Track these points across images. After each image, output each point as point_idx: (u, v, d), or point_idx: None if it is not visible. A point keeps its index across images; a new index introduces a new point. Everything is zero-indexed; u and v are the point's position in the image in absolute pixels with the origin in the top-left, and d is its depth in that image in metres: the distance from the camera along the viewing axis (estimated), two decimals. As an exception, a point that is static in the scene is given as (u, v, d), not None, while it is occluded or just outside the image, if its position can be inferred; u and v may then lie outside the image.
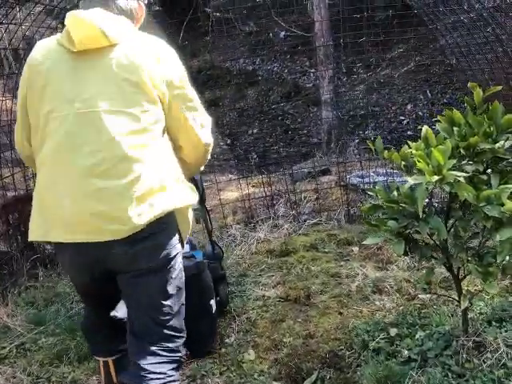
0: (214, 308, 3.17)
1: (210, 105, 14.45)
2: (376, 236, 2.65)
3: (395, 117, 11.61)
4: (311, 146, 11.01)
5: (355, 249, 4.31)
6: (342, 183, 5.25)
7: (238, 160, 11.64)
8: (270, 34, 14.13)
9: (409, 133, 10.73)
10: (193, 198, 2.15)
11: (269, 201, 5.05)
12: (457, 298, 2.74)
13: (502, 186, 2.34)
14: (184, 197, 2.10)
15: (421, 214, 2.37)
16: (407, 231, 2.58)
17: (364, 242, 2.61)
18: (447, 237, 2.56)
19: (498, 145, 2.43)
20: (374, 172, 5.63)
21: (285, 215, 4.89)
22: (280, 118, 14.02)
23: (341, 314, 3.33)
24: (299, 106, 13.78)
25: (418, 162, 2.31)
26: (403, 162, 2.71)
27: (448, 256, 2.61)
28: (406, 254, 2.63)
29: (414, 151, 2.49)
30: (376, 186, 2.81)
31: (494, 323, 2.83)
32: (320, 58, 8.42)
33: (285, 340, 3.13)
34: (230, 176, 9.45)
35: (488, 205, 2.31)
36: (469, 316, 2.74)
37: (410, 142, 2.60)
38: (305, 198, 5.26)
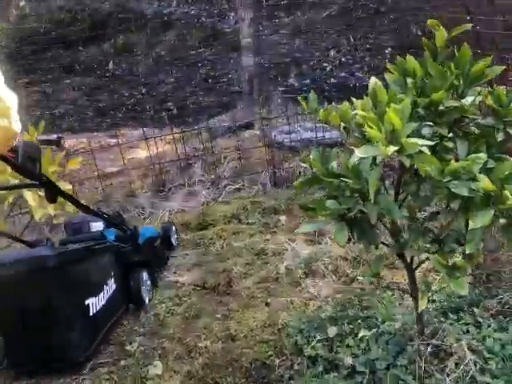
0: (95, 309, 2.54)
1: (123, 51, 13.32)
2: (312, 223, 2.06)
3: (318, 63, 11.08)
4: (232, 96, 10.34)
5: (283, 218, 3.74)
6: (267, 140, 4.63)
7: (153, 111, 10.81)
8: (185, -27, 13.09)
9: (332, 80, 10.24)
10: None
11: (183, 163, 4.37)
12: (408, 291, 2.22)
13: (471, 156, 1.80)
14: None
15: (373, 197, 1.80)
16: (351, 214, 2.01)
17: (298, 231, 2.02)
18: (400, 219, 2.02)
19: (465, 101, 1.87)
20: (301, 127, 5.04)
21: (202, 180, 4.23)
22: (199, 64, 13.14)
23: (268, 305, 2.77)
24: (219, 52, 12.96)
25: (369, 127, 1.71)
26: (343, 124, 2.13)
27: (402, 243, 2.06)
28: (349, 240, 2.07)
29: (359, 112, 1.89)
30: (312, 153, 2.20)
31: (450, 315, 2.35)
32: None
33: (200, 344, 2.54)
34: (144, 130, 8.70)
35: (454, 180, 1.76)
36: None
37: (353, 99, 2.00)
38: (225, 158, 4.60)
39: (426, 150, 1.69)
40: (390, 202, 1.95)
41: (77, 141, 7.78)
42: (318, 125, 4.96)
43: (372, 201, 1.79)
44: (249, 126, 6.09)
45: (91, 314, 2.50)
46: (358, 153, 1.71)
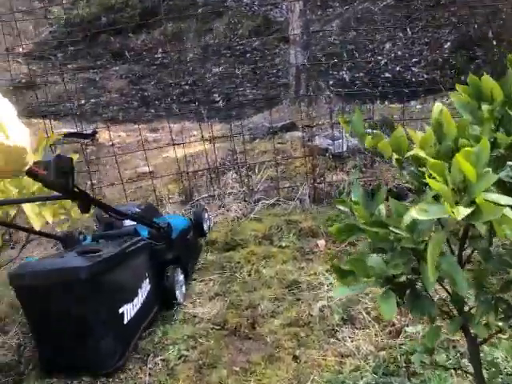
0: (129, 315, 2.48)
1: (172, 39, 13.04)
2: (349, 285, 1.61)
3: (373, 57, 10.51)
4: (279, 90, 9.90)
5: (321, 243, 3.28)
6: (308, 147, 4.16)
7: (198, 103, 10.47)
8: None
9: (386, 75, 9.68)
10: None
11: (216, 170, 3.96)
12: (470, 372, 1.74)
13: None
14: None
15: (433, 265, 1.34)
16: (402, 278, 1.56)
17: (332, 295, 1.58)
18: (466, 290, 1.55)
19: None
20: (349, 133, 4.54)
21: (234, 192, 3.81)
22: (248, 55, 12.75)
23: (296, 359, 2.33)
24: (269, 43, 12.55)
25: (431, 178, 1.25)
26: (396, 156, 1.68)
27: (467, 316, 1.59)
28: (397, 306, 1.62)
29: (418, 151, 1.43)
30: (352, 191, 1.75)
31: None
32: (289, -13, 7.16)
33: (211, 407, 2.13)
34: (184, 125, 8.37)
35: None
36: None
37: (411, 131, 1.54)
38: (261, 165, 4.17)
39: (509, 212, 1.21)
40: (453, 264, 1.48)
41: (114, 135, 7.49)
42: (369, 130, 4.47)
43: (431, 267, 1.33)
44: (292, 127, 5.62)
45: (125, 321, 2.44)
46: (416, 214, 1.25)
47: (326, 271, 2.99)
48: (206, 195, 3.75)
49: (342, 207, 1.75)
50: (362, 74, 9.91)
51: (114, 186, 5.12)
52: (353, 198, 1.73)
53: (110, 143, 7.10)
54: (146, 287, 2.67)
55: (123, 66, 12.94)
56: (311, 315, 2.60)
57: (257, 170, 4.05)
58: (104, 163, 6.12)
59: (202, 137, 5.29)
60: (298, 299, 2.78)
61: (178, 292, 2.85)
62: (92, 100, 11.61)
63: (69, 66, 13.47)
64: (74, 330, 2.30)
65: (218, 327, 2.62)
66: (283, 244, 3.32)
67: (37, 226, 2.45)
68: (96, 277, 2.26)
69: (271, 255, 3.23)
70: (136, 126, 8.62)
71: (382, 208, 1.68)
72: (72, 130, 6.99)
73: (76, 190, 2.04)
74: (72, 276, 2.24)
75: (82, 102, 11.61)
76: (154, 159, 5.70)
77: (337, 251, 3.18)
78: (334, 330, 2.47)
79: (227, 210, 3.67)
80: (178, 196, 3.90)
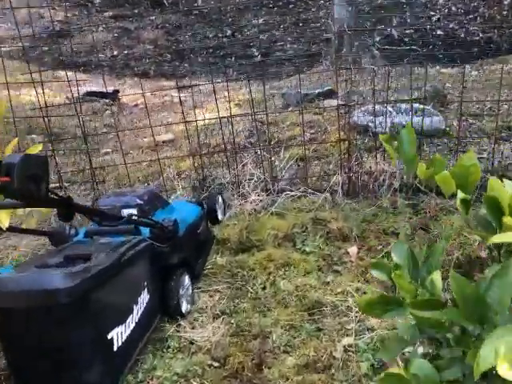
0: (120, 340, 1.99)
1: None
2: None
3: (424, 11, 9.64)
4: (321, 46, 9.18)
5: (352, 250, 2.73)
6: (346, 126, 3.54)
7: (235, 58, 9.84)
8: None
9: (438, 32, 8.83)
10: None
11: (231, 153, 3.40)
12: None
13: None
14: None
15: None
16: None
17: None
18: None
19: None
20: (393, 107, 3.91)
21: (253, 179, 3.25)
22: (291, 6, 11.99)
23: (308, 423, 1.82)
24: (315, -8, 11.83)
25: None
26: (462, 195, 1.14)
27: None
28: None
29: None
30: (392, 247, 1.25)
31: None
32: None
33: None
34: (215, 84, 7.82)
35: None
36: None
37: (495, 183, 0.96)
38: (289, 141, 3.59)
39: None
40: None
41: (138, 94, 6.98)
42: (416, 105, 3.85)
43: None
44: (330, 94, 4.98)
45: (115, 348, 1.96)
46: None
47: (356, 290, 2.45)
48: (221, 182, 3.19)
49: (377, 273, 1.19)
50: (411, 31, 9.09)
51: (128, 156, 4.65)
52: (393, 258, 1.19)
53: (134, 104, 6.60)
54: (143, 300, 2.19)
55: (160, 16, 12.35)
56: (333, 356, 2.08)
57: (282, 154, 3.47)
58: (123, 127, 5.63)
59: (229, 101, 4.73)
60: (319, 329, 2.25)
61: (183, 304, 2.40)
62: (125, 51, 11.10)
63: (105, 14, 12.94)
64: (52, 360, 1.90)
65: (217, 364, 2.12)
66: (307, 249, 2.78)
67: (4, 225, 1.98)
68: (80, 299, 1.81)
69: (292, 263, 2.69)
70: (165, 84, 8.08)
71: (437, 278, 1.15)
72: (94, 88, 6.52)
73: (54, 196, 1.66)
74: (50, 299, 1.80)
75: (115, 53, 11.11)
76: (176, 125, 5.19)
77: (371, 263, 2.61)
78: (360, 382, 1.94)
79: (244, 201, 3.13)
80: (190, 181, 3.36)
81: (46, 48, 10.54)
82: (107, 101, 6.26)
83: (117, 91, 6.33)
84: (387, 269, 1.18)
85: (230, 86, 6.45)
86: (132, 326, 2.07)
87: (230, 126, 3.44)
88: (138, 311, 2.13)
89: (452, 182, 1.17)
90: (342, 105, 3.35)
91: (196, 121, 3.39)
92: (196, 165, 3.34)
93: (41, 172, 1.56)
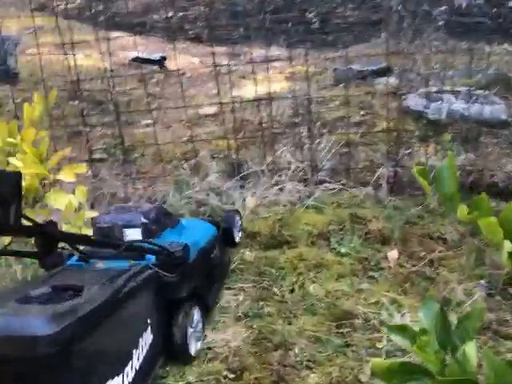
0: None
1: None
2: None
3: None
4: (383, 13, 8.70)
5: (392, 255, 2.51)
6: (397, 106, 3.27)
7: (291, 24, 9.48)
8: None
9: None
10: None
11: (270, 139, 3.20)
12: None
13: None
14: None
15: None
16: None
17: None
18: None
19: None
20: (451, 92, 3.59)
21: (290, 168, 3.04)
22: (355, -31, 11.43)
23: None
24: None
25: None
26: (510, 245, 0.91)
27: None
28: None
29: None
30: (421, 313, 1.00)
31: None
32: None
33: None
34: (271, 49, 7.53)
35: None
36: None
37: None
38: (333, 124, 3.35)
39: None
40: None
41: (187, 61, 6.80)
42: (477, 92, 3.53)
43: None
44: (385, 72, 4.67)
45: None
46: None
47: (392, 303, 2.24)
48: (257, 168, 3.00)
49: (397, 338, 0.99)
50: (481, 1, 8.49)
51: (168, 130, 4.51)
52: (420, 319, 0.99)
53: (182, 72, 6.43)
54: (145, 342, 1.83)
55: (218, -24, 12.06)
56: (359, 380, 1.90)
57: (325, 139, 3.23)
58: (168, 97, 5.48)
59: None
60: (347, 344, 2.06)
61: (192, 345, 2.05)
62: (180, 13, 10.90)
63: (164, -30, 12.73)
64: None
65: (233, 376, 1.97)
66: (342, 250, 2.57)
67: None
68: (65, 349, 1.40)
69: (324, 264, 2.50)
70: (215, 49, 7.84)
71: (472, 350, 0.94)
72: (140, 54, 6.37)
73: (27, 223, 1.34)
74: (27, 349, 1.39)
75: (170, 14, 10.92)
76: (222, 97, 5.00)
77: (411, 272, 2.40)
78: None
79: (280, 190, 2.93)
80: (225, 164, 3.19)
81: (102, 7, 10.46)
82: (154, 67, 6.11)
83: (164, 58, 6.16)
84: (409, 333, 0.97)
85: (283, 56, 6.17)
86: (131, 375, 1.68)
87: (272, 106, 3.23)
88: (138, 356, 1.76)
89: (499, 230, 0.95)
90: (393, 92, 3.07)
91: (232, 103, 3.19)
92: (232, 147, 3.16)
93: (10, 193, 1.24)
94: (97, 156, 3.96)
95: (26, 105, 1.93)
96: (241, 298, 2.38)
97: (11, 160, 1.73)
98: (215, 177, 3.06)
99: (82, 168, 1.88)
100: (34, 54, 5.46)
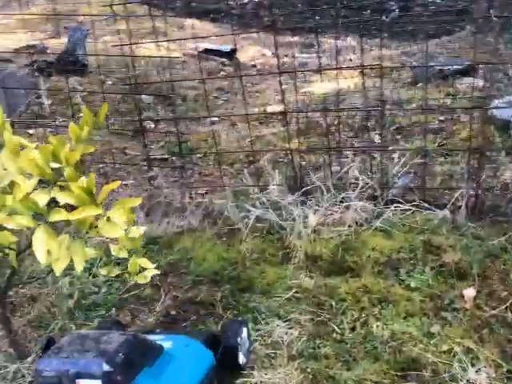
0: None
1: None
2: None
3: None
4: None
5: (468, 293, 2.21)
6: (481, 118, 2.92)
7: (371, 11, 9.04)
8: None
9: None
10: None
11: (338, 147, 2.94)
12: None
13: None
14: None
15: None
16: None
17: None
18: None
19: None
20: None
21: (358, 183, 2.77)
22: None
23: None
24: None
25: None
26: None
27: None
28: None
29: None
30: None
31: None
32: None
33: None
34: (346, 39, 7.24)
35: None
36: None
37: None
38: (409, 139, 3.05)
39: None
40: None
41: (257, 54, 6.58)
42: None
43: None
44: (469, 72, 4.28)
45: None
46: None
47: (467, 351, 1.96)
48: (321, 183, 2.76)
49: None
50: None
51: (233, 128, 4.33)
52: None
53: (251, 64, 6.24)
54: None
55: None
56: None
57: (398, 152, 2.94)
58: (235, 91, 5.30)
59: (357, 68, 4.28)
60: (412, 403, 1.82)
61: None
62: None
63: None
64: None
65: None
66: (412, 283, 2.30)
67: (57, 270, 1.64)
68: None
69: (391, 299, 2.24)
70: (288, 39, 7.59)
71: None
72: (210, 46, 6.21)
73: None
74: None
75: (245, 0, 10.71)
76: (291, 93, 4.76)
77: (490, 315, 2.10)
78: None
79: (346, 208, 2.68)
80: (285, 175, 2.97)
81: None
82: (223, 60, 5.93)
83: (234, 50, 5.97)
84: None
85: (358, 48, 5.83)
86: None
87: (343, 106, 2.97)
88: None
89: None
90: (480, 97, 2.74)
91: (297, 102, 2.95)
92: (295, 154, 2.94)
93: None
94: (157, 154, 3.85)
95: (71, 125, 1.78)
96: (295, 332, 2.17)
97: (59, 197, 1.57)
98: (276, 188, 2.83)
99: (136, 201, 1.70)
100: (104, 42, 5.41)
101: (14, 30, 6.98)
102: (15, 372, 1.99)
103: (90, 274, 2.54)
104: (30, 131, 4.15)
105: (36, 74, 4.91)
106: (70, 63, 5.08)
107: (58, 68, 5.08)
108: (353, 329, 2.15)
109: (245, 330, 2.00)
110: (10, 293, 2.26)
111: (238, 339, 1.93)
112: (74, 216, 1.56)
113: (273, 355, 2.08)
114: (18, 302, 2.39)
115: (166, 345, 1.67)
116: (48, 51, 5.73)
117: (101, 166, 3.48)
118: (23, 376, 1.98)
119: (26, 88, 4.44)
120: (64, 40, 5.51)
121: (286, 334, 2.17)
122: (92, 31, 4.75)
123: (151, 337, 1.69)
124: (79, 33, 5.30)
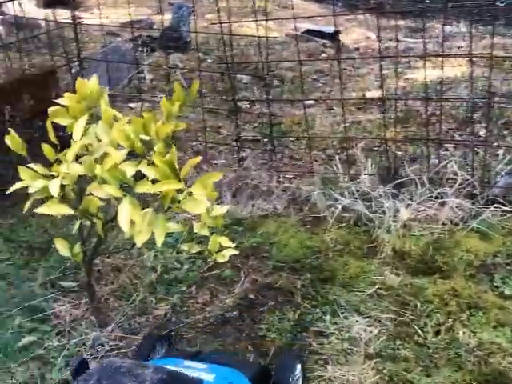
0: None
1: None
2: None
3: None
4: None
5: None
6: None
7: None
8: None
9: None
10: None
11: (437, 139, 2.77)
12: None
13: None
14: None
15: None
16: None
17: None
18: None
19: None
20: None
21: (456, 179, 2.60)
22: None
23: None
24: None
25: None
26: None
27: None
28: None
29: None
30: None
31: None
32: None
33: None
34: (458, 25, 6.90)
35: None
36: None
37: None
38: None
39: None
40: None
41: (361, 36, 6.37)
42: None
43: None
44: None
45: None
46: None
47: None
48: (416, 175, 2.62)
49: None
50: None
51: (329, 113, 4.22)
52: None
53: (354, 47, 6.05)
54: None
55: None
56: None
57: (502, 152, 2.73)
58: (335, 74, 5.15)
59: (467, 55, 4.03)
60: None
61: None
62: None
63: None
64: None
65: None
66: (506, 291, 2.14)
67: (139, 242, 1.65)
68: None
69: (482, 306, 2.09)
70: (395, 23, 7.30)
71: None
72: (313, 27, 6.09)
73: None
74: None
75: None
76: (392, 79, 4.57)
77: None
78: None
79: (441, 205, 2.53)
80: (378, 164, 2.85)
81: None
82: (325, 42, 5.80)
83: (337, 32, 5.81)
84: None
85: (467, 35, 5.50)
86: None
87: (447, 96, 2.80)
88: None
89: None
90: None
91: (396, 89, 2.81)
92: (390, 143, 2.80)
93: None
94: (249, 135, 3.82)
95: (163, 100, 1.77)
96: (375, 331, 2.07)
97: (144, 170, 1.58)
98: (367, 178, 2.73)
99: (217, 176, 1.68)
100: (207, 20, 5.44)
101: (122, 4, 7.17)
102: (94, 339, 2.04)
103: (173, 250, 2.56)
104: (132, 105, 4.27)
105: (140, 48, 5.03)
106: (173, 39, 5.16)
107: (161, 44, 5.17)
108: (437, 333, 2.03)
109: (299, 366, 1.79)
110: (96, 261, 2.32)
111: (290, 379, 1.70)
112: (156, 188, 1.56)
113: (349, 351, 2.00)
114: (103, 271, 2.45)
115: (208, 377, 1.44)
116: (154, 27, 5.85)
117: (194, 143, 3.50)
118: (101, 344, 2.04)
119: (129, 62, 4.55)
120: (168, 16, 5.60)
121: (365, 331, 2.07)
122: (195, 8, 4.80)
123: (192, 365, 1.51)
124: (183, 9, 5.36)
